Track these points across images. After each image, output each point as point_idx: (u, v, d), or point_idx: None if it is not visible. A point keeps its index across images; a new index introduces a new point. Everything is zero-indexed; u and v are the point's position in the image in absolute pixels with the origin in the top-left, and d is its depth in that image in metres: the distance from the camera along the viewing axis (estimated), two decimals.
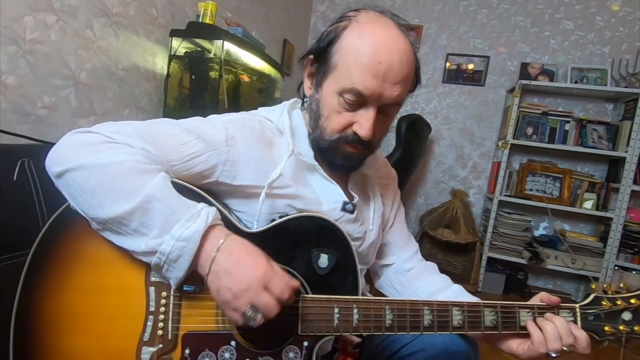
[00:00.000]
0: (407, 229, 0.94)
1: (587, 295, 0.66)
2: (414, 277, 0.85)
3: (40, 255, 0.57)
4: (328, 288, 0.61)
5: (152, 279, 0.58)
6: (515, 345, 0.66)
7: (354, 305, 0.60)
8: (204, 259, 0.54)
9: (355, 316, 0.60)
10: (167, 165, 0.59)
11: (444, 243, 2.55)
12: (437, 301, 0.62)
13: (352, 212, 0.74)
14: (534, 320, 0.64)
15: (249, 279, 0.52)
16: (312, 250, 0.61)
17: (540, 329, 0.63)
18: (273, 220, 0.63)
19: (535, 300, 0.67)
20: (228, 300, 0.53)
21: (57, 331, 0.56)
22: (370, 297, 0.61)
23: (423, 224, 2.71)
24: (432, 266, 0.90)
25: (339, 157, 0.68)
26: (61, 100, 1.23)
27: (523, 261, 2.62)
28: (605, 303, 0.65)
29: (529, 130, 2.64)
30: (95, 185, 0.52)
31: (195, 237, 0.52)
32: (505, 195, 2.65)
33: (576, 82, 2.59)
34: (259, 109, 0.77)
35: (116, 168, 0.53)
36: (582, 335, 0.62)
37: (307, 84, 0.73)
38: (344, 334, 0.60)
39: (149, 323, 0.57)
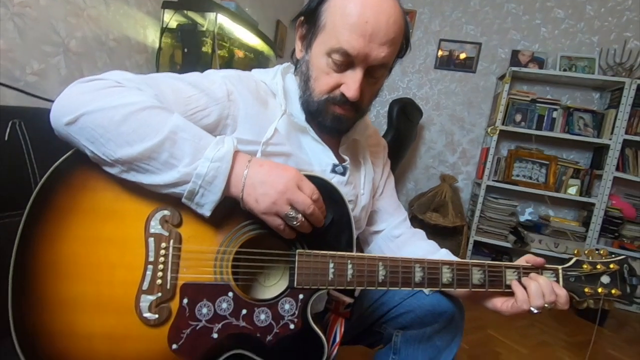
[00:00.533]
0: (397, 198, 0.96)
1: (570, 259, 0.70)
2: (403, 243, 0.88)
3: (38, 205, 0.57)
4: (324, 244, 0.63)
5: (152, 230, 0.59)
6: (499, 303, 0.69)
7: (349, 261, 0.62)
8: (236, 178, 0.56)
9: (350, 271, 0.62)
10: None
11: (432, 227, 2.60)
12: (428, 259, 0.64)
13: (343, 174, 0.75)
14: (519, 280, 0.67)
15: (284, 182, 0.55)
16: None
17: (525, 288, 0.66)
18: None
19: (521, 262, 0.70)
20: (268, 207, 0.55)
21: (55, 279, 0.57)
22: (361, 254, 0.63)
23: (412, 207, 2.75)
24: (421, 233, 0.92)
25: (328, 118, 0.69)
26: (51, 68, 1.21)
27: (508, 245, 2.69)
28: (585, 266, 0.68)
29: (518, 117, 2.69)
30: (120, 124, 0.52)
31: (228, 156, 0.55)
32: (493, 181, 2.71)
33: (565, 70, 2.63)
34: (252, 70, 0.77)
35: (137, 106, 0.54)
36: (562, 293, 0.65)
37: (298, 46, 0.73)
38: (337, 288, 0.62)
39: (148, 272, 0.58)
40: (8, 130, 0.77)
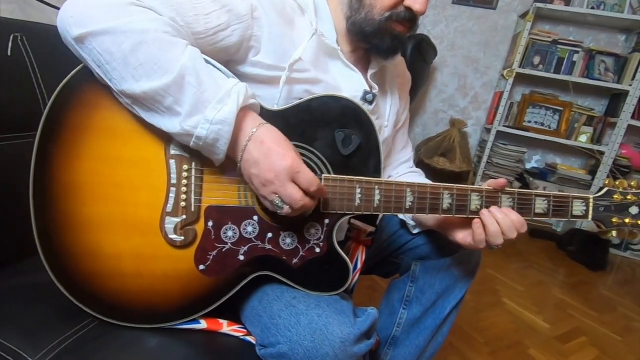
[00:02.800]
0: (407, 136, 0.93)
1: (601, 189, 0.68)
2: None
3: (52, 123, 0.54)
4: (350, 169, 0.61)
5: (172, 151, 0.56)
6: (460, 236, 0.67)
7: (376, 187, 0.60)
8: (237, 145, 0.53)
9: (377, 197, 0.61)
10: (192, 39, 0.55)
11: (438, 171, 2.59)
12: (457, 185, 0.63)
13: (371, 102, 0.71)
14: (480, 208, 0.63)
15: (276, 170, 0.51)
16: (335, 130, 0.60)
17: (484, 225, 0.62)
18: None
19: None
20: (257, 188, 0.53)
21: (77, 199, 0.55)
22: (389, 179, 0.61)
23: (419, 152, 2.72)
24: (420, 172, 0.91)
25: (388, 38, 0.65)
26: None
27: None
28: (617, 196, 0.66)
29: (536, 60, 2.56)
30: (128, 53, 0.47)
31: (230, 118, 0.50)
32: (504, 126, 2.65)
33: (592, 8, 2.46)
34: None
35: (149, 36, 0.48)
36: (518, 220, 0.61)
37: None
38: (364, 213, 0.61)
39: (171, 194, 0.57)
40: (10, 44, 0.72)
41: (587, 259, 2.33)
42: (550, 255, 2.41)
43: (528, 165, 2.90)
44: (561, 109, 2.65)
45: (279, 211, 0.53)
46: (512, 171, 2.72)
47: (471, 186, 0.63)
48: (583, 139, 2.61)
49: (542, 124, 2.70)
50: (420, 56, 2.20)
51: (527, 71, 2.52)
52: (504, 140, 2.74)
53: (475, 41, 2.79)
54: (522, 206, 0.64)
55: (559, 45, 2.53)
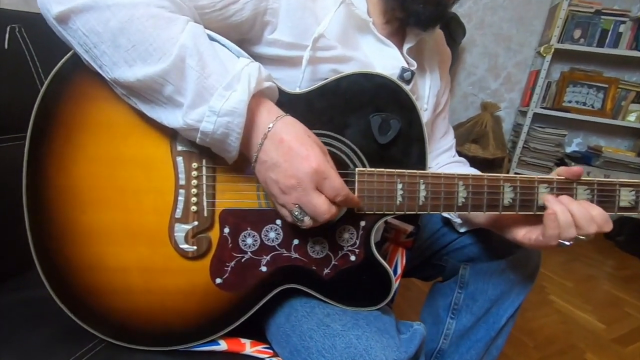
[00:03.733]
0: (448, 121, 0.81)
1: None
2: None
3: (43, 120, 0.47)
4: (389, 160, 0.51)
5: (179, 147, 0.48)
6: (520, 233, 0.56)
7: (421, 181, 0.50)
8: (251, 142, 0.44)
9: (422, 193, 0.50)
10: (197, 14, 0.46)
11: (470, 159, 2.42)
12: (521, 177, 0.51)
13: (409, 82, 0.61)
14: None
15: (298, 175, 0.42)
16: (370, 114, 0.50)
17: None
18: None
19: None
20: (275, 195, 0.44)
21: (75, 206, 0.48)
22: (437, 171, 0.51)
23: None
24: (465, 162, 0.79)
25: (430, 5, 0.54)
26: None
27: None
28: None
29: (577, 33, 2.34)
30: (117, 33, 0.39)
31: (240, 108, 0.41)
32: (542, 108, 2.45)
33: None
34: None
35: (141, 11, 0.39)
36: (599, 215, 0.49)
37: None
38: (408, 213, 0.51)
39: (180, 198, 0.48)
40: (7, 36, 0.65)
41: (639, 250, 2.14)
42: (597, 246, 2.23)
43: (568, 149, 2.69)
44: (606, 86, 2.42)
45: (298, 224, 0.44)
46: (552, 156, 2.52)
47: (539, 177, 0.52)
48: (632, 118, 2.38)
49: (585, 104, 2.48)
50: (449, 35, 2.04)
51: (567, 46, 2.31)
52: (542, 123, 2.54)
53: (507, 17, 2.59)
54: (604, 199, 0.52)
55: (602, 16, 2.29)
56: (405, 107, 0.50)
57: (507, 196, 0.51)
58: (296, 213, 0.43)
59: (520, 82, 2.69)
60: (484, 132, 2.50)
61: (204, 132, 0.42)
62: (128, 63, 0.40)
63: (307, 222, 0.43)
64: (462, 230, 0.71)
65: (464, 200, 0.51)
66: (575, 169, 0.51)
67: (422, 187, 0.50)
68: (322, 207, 0.42)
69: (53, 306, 0.50)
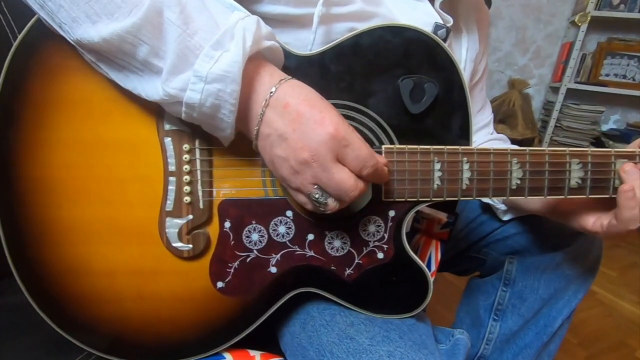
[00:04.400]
0: (486, 93, 0.70)
1: None
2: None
3: (9, 99, 0.39)
4: (424, 134, 0.41)
5: (167, 126, 0.40)
6: (590, 220, 0.45)
7: (465, 159, 0.40)
8: (250, 115, 0.35)
9: (466, 174, 0.40)
10: None
11: None
12: (593, 150, 0.41)
13: (444, 40, 0.50)
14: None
15: (312, 145, 0.32)
16: (399, 78, 0.40)
17: None
18: None
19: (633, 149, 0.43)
20: (286, 178, 0.35)
21: (51, 200, 0.41)
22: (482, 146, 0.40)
23: None
24: (506, 139, 0.68)
25: None
26: None
27: None
28: None
29: None
30: None
31: (233, 72, 0.32)
32: (576, 83, 2.26)
33: None
34: None
35: None
36: None
37: None
38: (448, 199, 0.41)
39: (171, 187, 0.40)
40: None
41: None
42: None
43: (605, 127, 2.49)
44: None
45: (321, 209, 0.35)
46: (587, 135, 2.34)
47: (616, 150, 0.41)
48: None
49: (624, 77, 2.28)
50: None
51: (605, 13, 2.10)
52: (576, 99, 2.35)
53: None
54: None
55: None
56: (443, 68, 0.40)
57: (575, 175, 0.41)
58: (316, 195, 0.34)
59: (551, 56, 2.49)
60: (512, 111, 2.33)
61: (189, 104, 0.33)
62: (90, 19, 0.32)
63: (332, 204, 0.34)
64: (505, 218, 0.60)
65: (518, 182, 0.41)
66: None
67: (466, 166, 0.40)
68: (347, 182, 0.33)
69: (35, 314, 0.43)
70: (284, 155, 0.33)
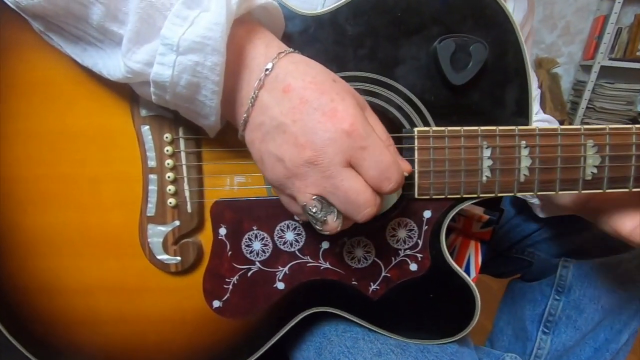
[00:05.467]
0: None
1: None
2: None
3: None
4: (470, 112, 0.32)
5: (143, 112, 0.32)
6: (629, 224, 0.35)
7: (523, 143, 0.31)
8: (237, 97, 0.27)
9: (525, 162, 0.31)
10: None
11: None
12: None
13: None
14: None
15: (317, 143, 0.24)
16: (436, 39, 0.31)
17: None
18: None
19: None
20: (278, 180, 0.26)
21: (14, 205, 0.34)
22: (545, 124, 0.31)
23: None
24: (553, 121, 0.57)
25: None
26: None
27: None
28: None
29: None
30: None
31: (215, 37, 0.24)
32: (610, 60, 2.09)
33: None
34: None
35: None
36: None
37: None
38: (501, 195, 0.32)
39: (152, 187, 0.33)
40: None
41: None
42: None
43: None
44: None
45: (317, 227, 0.26)
46: (623, 116, 2.17)
47: None
48: None
49: None
50: None
51: None
52: (610, 78, 2.18)
53: None
54: None
55: None
56: (493, 25, 0.31)
57: None
58: (314, 210, 0.25)
59: (582, 33, 2.31)
60: (540, 92, 2.19)
61: (158, 83, 0.25)
62: None
63: (332, 223, 0.26)
64: (542, 215, 0.50)
65: (595, 170, 0.31)
66: None
67: (525, 152, 0.31)
68: (360, 194, 0.24)
69: (5, 339, 0.37)
70: (279, 152, 0.25)
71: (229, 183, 0.33)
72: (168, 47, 0.24)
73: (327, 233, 0.26)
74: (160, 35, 0.24)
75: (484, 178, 0.32)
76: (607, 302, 0.49)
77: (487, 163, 0.31)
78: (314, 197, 0.25)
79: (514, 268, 0.59)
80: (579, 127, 0.31)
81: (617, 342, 0.49)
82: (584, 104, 2.19)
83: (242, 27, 0.26)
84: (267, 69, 0.25)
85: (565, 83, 2.43)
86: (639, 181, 0.31)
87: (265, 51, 0.26)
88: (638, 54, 2.13)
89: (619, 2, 1.96)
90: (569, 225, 0.51)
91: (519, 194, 0.32)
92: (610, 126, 0.31)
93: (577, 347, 0.51)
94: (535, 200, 0.50)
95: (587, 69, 2.20)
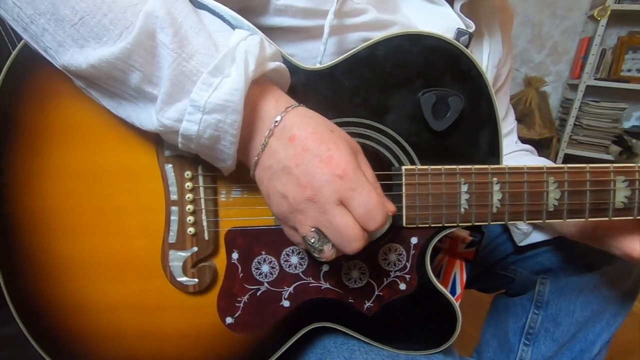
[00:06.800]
0: (509, 99, 0.65)
1: None
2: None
3: (1, 125, 0.37)
4: (448, 153, 0.37)
5: (167, 152, 0.37)
6: (637, 246, 0.40)
7: (495, 179, 0.36)
8: (251, 144, 0.32)
9: (497, 196, 0.36)
10: None
11: None
12: (638, 165, 0.36)
13: (466, 46, 0.46)
14: None
15: (315, 185, 0.29)
16: (420, 91, 0.36)
17: None
18: None
19: None
20: (283, 214, 0.31)
21: (49, 233, 0.38)
22: (514, 163, 0.36)
23: None
24: (533, 150, 0.63)
25: None
26: None
27: (610, 157, 2.23)
28: None
29: None
30: (58, 4, 0.28)
31: (234, 100, 0.29)
32: (595, 79, 2.18)
33: None
34: None
35: None
36: None
37: None
38: (478, 224, 0.37)
39: (173, 217, 0.37)
40: None
41: None
42: None
43: (627, 125, 2.39)
44: None
45: (315, 255, 0.31)
46: (608, 133, 2.25)
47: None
48: None
49: None
50: None
51: (626, 6, 2.02)
52: (596, 96, 2.26)
53: None
54: None
55: None
56: (468, 79, 0.36)
57: (621, 194, 0.36)
58: (312, 240, 0.30)
59: (569, 52, 2.41)
60: (529, 110, 2.26)
61: (185, 136, 0.30)
62: (77, 43, 0.29)
63: (328, 252, 0.30)
64: (523, 244, 0.55)
65: (556, 203, 0.37)
66: None
67: (497, 187, 0.36)
68: (349, 229, 0.29)
69: (33, 347, 0.41)
70: (284, 191, 0.30)
71: (240, 214, 0.38)
72: (196, 107, 0.29)
73: (324, 260, 0.31)
74: (189, 98, 0.29)
75: (462, 210, 0.37)
76: (582, 315, 0.53)
77: (464, 197, 0.36)
78: (312, 229, 0.30)
79: (498, 284, 0.64)
80: (541, 165, 0.36)
81: (590, 352, 0.54)
82: (571, 121, 2.26)
83: (257, 86, 0.31)
84: (276, 121, 0.31)
85: (553, 101, 2.52)
86: (593, 212, 0.37)
87: (275, 105, 0.32)
88: (622, 74, 2.22)
89: (602, 25, 2.05)
90: (548, 244, 0.56)
91: (492, 223, 0.37)
92: (569, 165, 0.36)
93: (555, 357, 0.55)
94: (524, 227, 0.55)
95: (574, 87, 2.29)
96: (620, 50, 2.19)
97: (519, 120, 2.27)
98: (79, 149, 0.37)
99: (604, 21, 2.04)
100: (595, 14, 2.07)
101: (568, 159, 2.35)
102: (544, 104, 2.33)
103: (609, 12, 2.02)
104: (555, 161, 2.31)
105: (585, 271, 0.53)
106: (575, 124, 2.27)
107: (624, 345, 1.13)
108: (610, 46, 2.25)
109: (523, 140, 1.91)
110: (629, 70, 2.21)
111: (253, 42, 0.31)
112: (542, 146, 2.35)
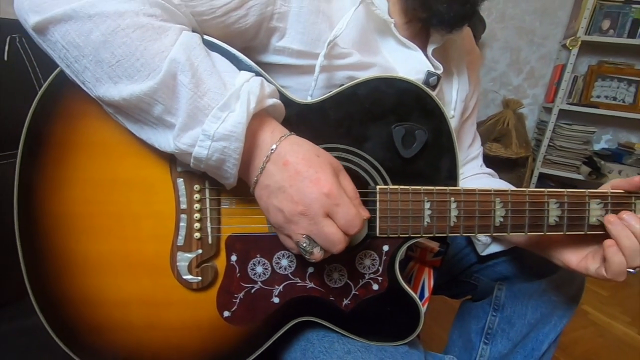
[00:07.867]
0: (476, 128, 0.74)
1: None
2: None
3: (33, 140, 0.43)
4: (415, 176, 0.45)
5: (179, 168, 0.43)
6: (574, 260, 0.49)
7: (452, 198, 0.44)
8: (251, 167, 0.39)
9: (454, 212, 0.44)
10: (195, 21, 0.42)
11: (491, 158, 2.32)
12: (569, 191, 0.45)
13: (434, 87, 0.54)
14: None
15: (306, 201, 0.36)
16: (392, 125, 0.44)
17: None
18: None
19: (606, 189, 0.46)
20: (279, 224, 0.38)
21: (70, 234, 0.44)
22: (470, 186, 0.44)
23: None
24: (494, 174, 0.72)
25: (457, 3, 0.48)
26: None
27: (580, 177, 2.37)
28: None
29: (605, 24, 2.20)
30: (99, 47, 0.35)
31: (237, 131, 0.36)
32: (568, 104, 2.32)
33: None
34: None
35: (127, 21, 0.35)
36: None
37: None
38: (438, 235, 0.45)
39: (182, 224, 0.44)
40: (7, 48, 0.63)
41: None
42: None
43: (597, 147, 2.55)
44: (638, 79, 2.28)
45: (306, 257, 0.38)
46: (579, 154, 2.39)
47: (590, 190, 0.45)
48: None
49: (615, 99, 2.34)
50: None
51: (595, 38, 2.18)
52: (568, 119, 2.41)
53: (530, 9, 2.47)
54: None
55: (633, 5, 2.16)
56: (431, 116, 0.44)
57: (553, 214, 0.45)
58: (304, 245, 0.37)
59: (544, 77, 2.56)
60: (506, 130, 2.38)
61: (197, 158, 0.37)
62: (112, 80, 0.36)
63: (317, 254, 0.37)
64: (484, 253, 0.63)
65: (502, 219, 0.45)
66: (637, 178, 0.44)
67: (454, 205, 0.44)
68: (334, 236, 0.36)
69: (46, 337, 0.46)
70: (280, 206, 0.37)
71: (240, 222, 0.45)
72: (206, 136, 0.36)
73: (314, 261, 0.38)
74: (202, 128, 0.36)
75: (425, 223, 0.44)
76: (533, 317, 0.61)
77: (427, 212, 0.44)
78: (304, 236, 0.37)
79: (464, 290, 0.72)
80: (490, 188, 0.44)
81: (539, 350, 0.61)
82: (546, 142, 2.40)
83: (257, 119, 0.38)
84: (272, 149, 0.38)
85: (530, 122, 2.66)
86: (532, 227, 0.45)
87: (271, 135, 0.39)
88: (592, 99, 2.38)
89: (574, 54, 2.20)
90: (506, 254, 0.64)
91: (450, 235, 0.45)
92: (512, 189, 0.44)
93: (510, 354, 0.63)
94: (484, 239, 0.63)
95: (548, 110, 2.42)
96: (590, 77, 2.35)
97: (497, 139, 2.40)
98: (101, 162, 0.44)
99: (575, 50, 2.19)
100: (567, 44, 2.23)
101: (542, 177, 2.48)
102: (521, 125, 2.47)
103: (579, 43, 2.17)
104: (530, 179, 2.43)
105: (536, 278, 0.61)
106: (549, 145, 2.40)
107: (585, 353, 1.22)
108: (581, 73, 2.41)
109: (500, 158, 2.06)
110: (598, 97, 2.37)
111: (255, 84, 0.38)
112: (518, 165, 2.47)
